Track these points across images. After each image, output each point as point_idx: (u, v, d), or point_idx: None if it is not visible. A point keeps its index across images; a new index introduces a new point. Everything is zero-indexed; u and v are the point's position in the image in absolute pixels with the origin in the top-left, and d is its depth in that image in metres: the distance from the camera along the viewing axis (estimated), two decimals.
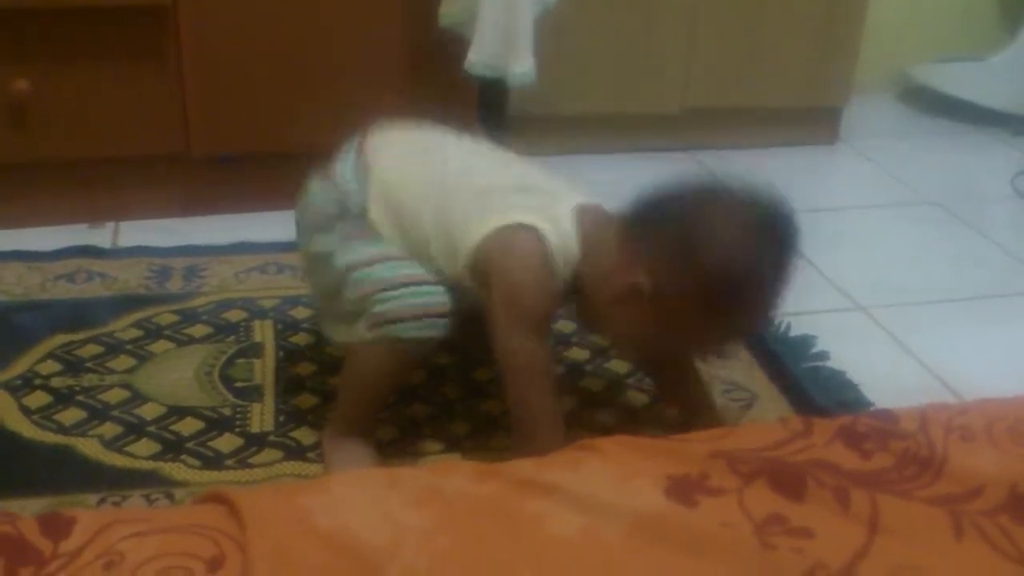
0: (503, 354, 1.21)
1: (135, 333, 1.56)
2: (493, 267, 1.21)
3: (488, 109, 2.07)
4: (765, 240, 1.14)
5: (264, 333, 1.58)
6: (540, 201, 1.24)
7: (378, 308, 1.21)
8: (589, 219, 1.23)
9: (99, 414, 1.38)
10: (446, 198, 1.25)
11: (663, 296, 1.15)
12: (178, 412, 1.39)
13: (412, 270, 1.22)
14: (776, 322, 1.64)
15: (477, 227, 1.22)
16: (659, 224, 1.17)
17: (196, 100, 1.87)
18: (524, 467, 0.98)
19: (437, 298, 1.22)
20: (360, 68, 1.92)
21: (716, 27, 2.28)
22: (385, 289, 1.21)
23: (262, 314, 1.63)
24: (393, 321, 1.21)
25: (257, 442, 1.34)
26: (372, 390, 1.28)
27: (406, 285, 1.21)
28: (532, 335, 1.20)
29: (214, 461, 1.30)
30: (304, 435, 1.36)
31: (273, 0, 1.84)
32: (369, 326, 1.22)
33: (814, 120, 2.47)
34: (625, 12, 2.21)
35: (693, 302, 1.14)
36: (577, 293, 1.24)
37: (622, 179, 2.17)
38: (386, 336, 1.21)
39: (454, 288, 1.23)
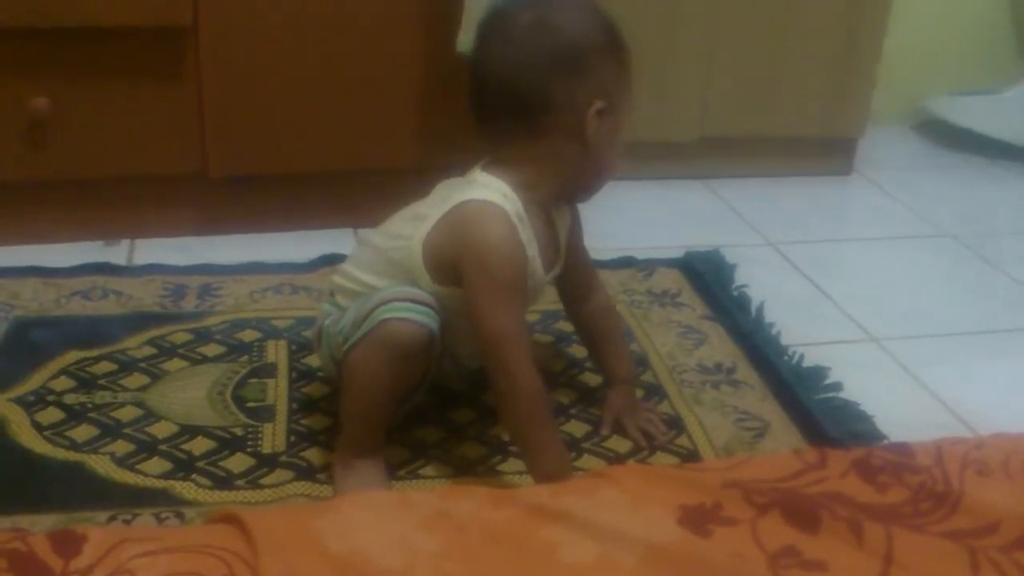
0: (486, 329, 1.22)
1: (149, 351, 1.57)
2: (459, 247, 1.23)
3: None
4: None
5: (277, 353, 1.58)
6: (465, 185, 1.28)
7: (364, 307, 1.24)
8: (497, 164, 1.29)
9: (111, 431, 1.38)
10: (382, 246, 1.32)
11: (606, 90, 1.24)
12: (190, 431, 1.39)
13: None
14: (791, 353, 1.64)
15: (419, 228, 1.27)
16: (535, 70, 1.22)
17: (214, 120, 1.88)
18: (538, 493, 0.98)
19: (423, 295, 1.24)
20: (378, 91, 1.93)
21: (733, 57, 2.29)
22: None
23: (276, 334, 1.63)
24: (377, 306, 1.23)
25: (268, 462, 1.34)
26: (369, 395, 1.26)
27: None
28: (512, 306, 1.22)
29: (225, 481, 1.30)
30: (315, 456, 1.35)
31: (293, 23, 1.85)
32: (355, 324, 1.24)
33: (829, 151, 2.47)
34: (643, 41, 2.20)
35: (611, 65, 1.26)
36: (560, 197, 1.33)
37: (638, 206, 2.20)
38: (372, 323, 1.22)
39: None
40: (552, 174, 1.27)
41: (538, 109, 1.23)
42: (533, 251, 1.28)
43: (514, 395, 1.22)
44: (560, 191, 1.32)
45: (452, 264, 1.24)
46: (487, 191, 1.25)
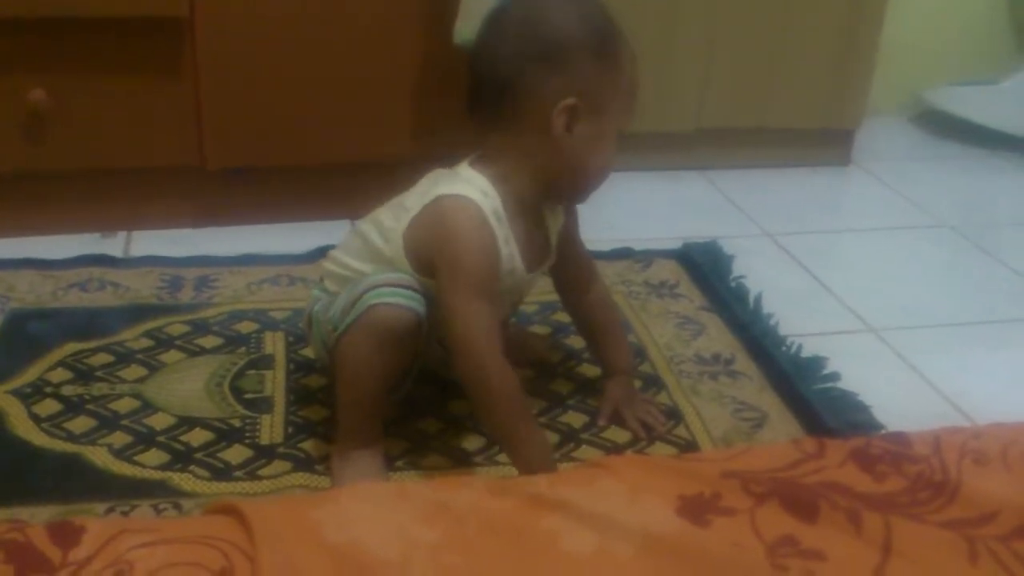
0: (450, 319, 1.22)
1: (146, 343, 1.57)
2: (434, 242, 1.24)
3: None
4: None
5: (275, 345, 1.58)
6: (448, 177, 1.29)
7: (352, 293, 1.25)
8: (483, 158, 1.29)
9: (109, 423, 1.38)
10: (369, 235, 1.32)
11: (583, 89, 1.22)
12: (188, 423, 1.39)
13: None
14: (789, 344, 1.64)
15: (402, 219, 1.27)
16: (521, 58, 1.22)
17: (211, 112, 1.87)
18: (536, 484, 0.98)
19: (409, 279, 1.25)
20: (375, 83, 1.92)
21: (732, 48, 2.28)
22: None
23: (273, 326, 1.63)
24: (365, 292, 1.23)
25: (266, 454, 1.34)
26: (361, 382, 1.26)
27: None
28: (478, 298, 1.21)
29: (223, 472, 1.30)
30: (313, 447, 1.35)
31: (289, 16, 1.84)
32: (344, 311, 1.25)
33: (827, 142, 2.47)
34: (642, 32, 2.20)
35: (595, 66, 1.22)
36: (550, 197, 1.33)
37: (636, 197, 2.20)
38: (360, 310, 1.22)
39: None
40: (529, 169, 1.26)
41: (510, 99, 1.23)
42: (511, 249, 1.27)
43: (489, 393, 1.21)
44: (543, 189, 1.30)
45: (429, 258, 1.25)
46: (466, 186, 1.25)
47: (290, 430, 1.38)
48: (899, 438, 1.07)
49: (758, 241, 2.07)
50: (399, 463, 1.33)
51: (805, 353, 1.62)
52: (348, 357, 1.26)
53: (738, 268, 1.89)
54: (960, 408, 1.53)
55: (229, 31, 1.82)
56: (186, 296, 1.71)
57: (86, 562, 0.86)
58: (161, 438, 1.36)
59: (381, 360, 1.24)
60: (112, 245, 1.89)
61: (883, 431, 1.41)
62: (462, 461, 1.35)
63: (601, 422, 1.43)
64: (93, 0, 1.72)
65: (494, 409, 1.22)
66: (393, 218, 1.29)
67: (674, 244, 1.98)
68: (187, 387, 1.47)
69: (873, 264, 2.03)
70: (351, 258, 1.33)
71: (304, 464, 1.32)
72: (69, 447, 1.33)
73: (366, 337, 1.23)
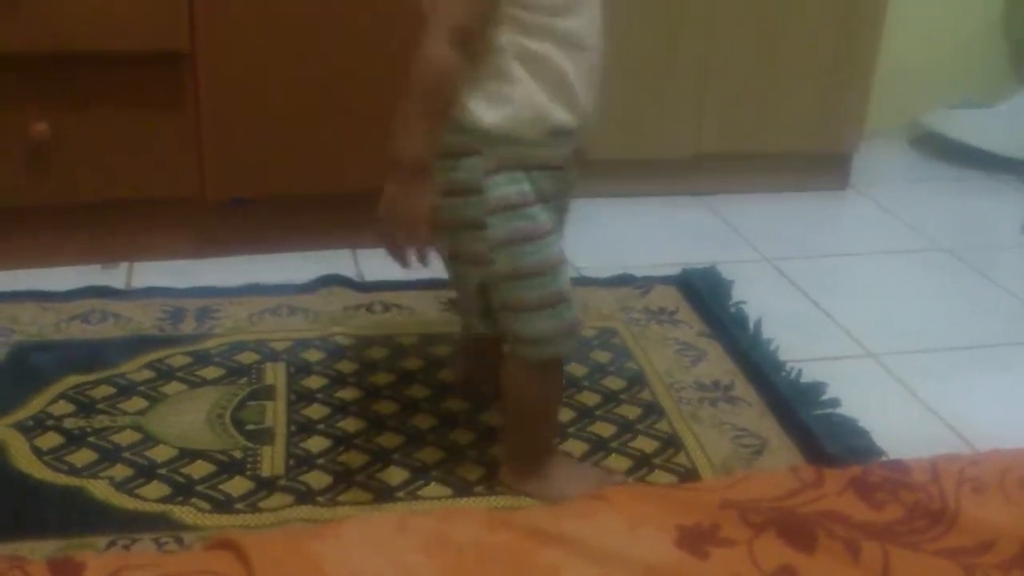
0: (416, 62, 1.19)
1: (147, 374, 1.57)
2: None
3: None
4: None
5: (276, 376, 1.58)
6: None
7: (539, 325, 1.24)
8: None
9: (110, 456, 1.38)
10: None
11: None
12: (189, 455, 1.39)
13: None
14: (789, 370, 1.65)
15: None
16: None
17: (212, 144, 1.88)
18: (537, 516, 0.98)
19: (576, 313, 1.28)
20: (375, 114, 1.93)
21: (728, 73, 2.29)
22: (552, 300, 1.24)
23: (274, 357, 1.63)
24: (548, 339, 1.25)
25: (267, 486, 1.34)
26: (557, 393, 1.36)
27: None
28: (447, 43, 1.18)
29: (224, 505, 1.30)
30: (315, 479, 1.36)
31: (289, 47, 1.86)
32: (528, 342, 1.26)
33: (825, 166, 2.48)
34: (638, 59, 2.23)
35: None
36: None
37: (634, 223, 2.21)
38: (542, 355, 1.26)
39: None
40: None
41: None
42: None
43: (422, 71, 1.20)
44: None
45: None
46: None
47: (291, 462, 1.39)
48: (897, 466, 1.07)
49: (757, 266, 2.08)
50: (400, 493, 1.33)
51: (805, 378, 1.62)
52: (554, 377, 1.31)
53: (737, 293, 1.90)
54: (960, 432, 1.53)
55: (230, 64, 1.84)
56: (188, 327, 1.72)
57: None
58: (162, 470, 1.36)
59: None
60: (114, 277, 1.90)
61: (883, 457, 1.41)
62: (463, 491, 1.35)
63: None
64: (95, 35, 1.74)
65: (418, 84, 1.22)
66: None
67: (673, 270, 1.98)
68: (188, 419, 1.47)
69: (872, 288, 2.04)
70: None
71: (305, 496, 1.32)
72: (71, 480, 1.33)
73: (550, 375, 1.30)
